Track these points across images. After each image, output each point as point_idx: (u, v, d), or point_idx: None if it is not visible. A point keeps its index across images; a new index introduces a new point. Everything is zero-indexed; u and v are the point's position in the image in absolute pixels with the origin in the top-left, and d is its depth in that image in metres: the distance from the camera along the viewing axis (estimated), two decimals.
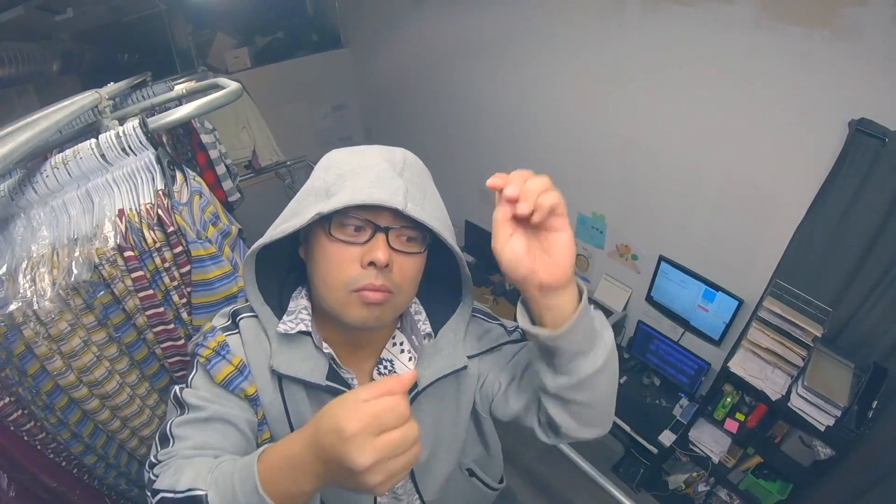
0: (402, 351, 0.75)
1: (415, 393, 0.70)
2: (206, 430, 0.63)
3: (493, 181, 0.51)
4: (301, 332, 0.68)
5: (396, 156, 0.65)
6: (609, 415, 0.68)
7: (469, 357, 0.74)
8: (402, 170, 0.63)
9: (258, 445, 0.72)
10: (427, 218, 0.60)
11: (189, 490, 0.52)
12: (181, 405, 0.66)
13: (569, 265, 0.53)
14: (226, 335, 0.70)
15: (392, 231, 0.61)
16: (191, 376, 0.69)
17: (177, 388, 0.67)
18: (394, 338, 0.76)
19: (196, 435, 0.62)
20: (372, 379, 0.73)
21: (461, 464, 0.87)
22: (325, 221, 0.61)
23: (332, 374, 0.69)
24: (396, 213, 0.59)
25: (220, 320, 0.73)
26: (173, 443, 0.61)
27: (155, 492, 0.55)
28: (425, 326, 0.73)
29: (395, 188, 0.59)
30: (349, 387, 0.69)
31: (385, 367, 0.74)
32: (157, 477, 0.57)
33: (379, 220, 0.60)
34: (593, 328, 0.59)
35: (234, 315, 0.72)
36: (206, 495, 0.51)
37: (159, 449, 0.61)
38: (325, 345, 0.69)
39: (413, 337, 0.74)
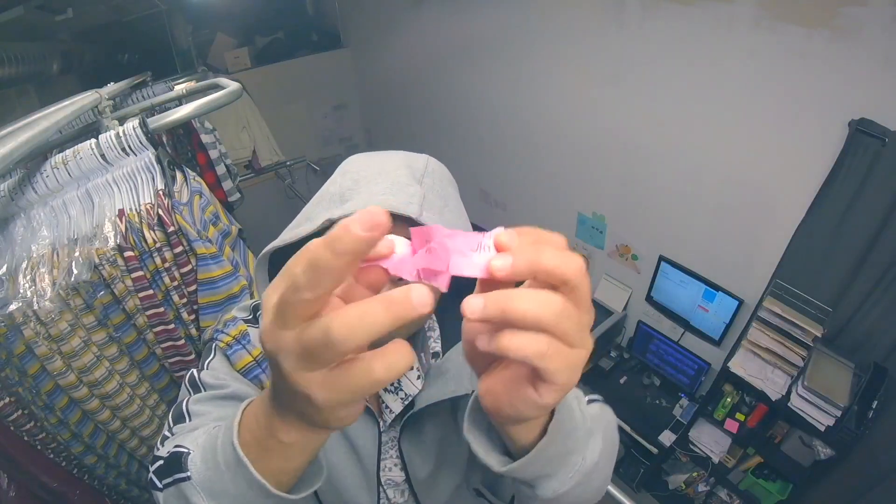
0: (412, 368, 0.71)
1: (410, 413, 0.68)
2: (226, 406, 0.59)
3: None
4: None
5: (418, 162, 0.63)
6: (601, 489, 0.52)
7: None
8: (423, 176, 0.60)
9: None
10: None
11: (176, 448, 0.47)
12: (196, 386, 0.63)
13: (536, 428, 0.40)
14: (247, 326, 0.69)
15: None
16: (208, 360, 0.66)
17: (193, 370, 0.65)
18: None
19: (215, 410, 0.58)
20: (379, 397, 0.69)
21: (469, 482, 0.83)
22: None
23: None
24: (413, 223, 0.54)
25: (240, 312, 0.72)
26: (189, 419, 0.57)
27: (154, 459, 0.49)
28: (435, 345, 0.70)
29: (411, 195, 0.56)
30: None
31: (392, 385, 0.69)
32: (161, 446, 0.51)
33: (395, 229, 0.56)
34: (567, 448, 0.44)
35: (254, 309, 0.71)
36: (189, 453, 0.46)
37: (172, 426, 0.56)
38: None
39: (422, 354, 0.71)
